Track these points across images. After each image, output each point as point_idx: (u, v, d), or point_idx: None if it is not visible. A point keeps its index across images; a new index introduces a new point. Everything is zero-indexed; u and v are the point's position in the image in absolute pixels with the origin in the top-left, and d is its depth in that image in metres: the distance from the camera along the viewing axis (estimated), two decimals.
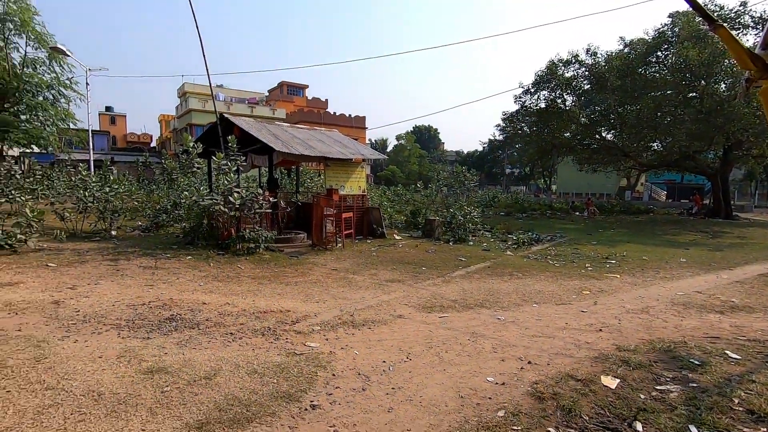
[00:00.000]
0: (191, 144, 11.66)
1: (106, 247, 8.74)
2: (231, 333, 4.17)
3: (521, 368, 3.55)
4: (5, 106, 18.83)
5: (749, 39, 17.97)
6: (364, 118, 52.72)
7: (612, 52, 22.45)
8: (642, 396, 3.04)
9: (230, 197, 8.44)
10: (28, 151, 23.26)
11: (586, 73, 22.74)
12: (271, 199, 9.43)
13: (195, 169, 12.95)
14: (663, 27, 20.92)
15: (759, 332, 4.53)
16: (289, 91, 52.89)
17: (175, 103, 48.39)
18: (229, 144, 9.08)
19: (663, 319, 5.07)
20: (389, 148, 77.02)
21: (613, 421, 2.72)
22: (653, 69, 21.31)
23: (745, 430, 2.61)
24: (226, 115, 10.76)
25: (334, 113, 50.41)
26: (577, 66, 23.03)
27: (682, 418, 2.72)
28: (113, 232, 10.14)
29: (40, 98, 19.64)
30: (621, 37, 23.11)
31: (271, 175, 11.23)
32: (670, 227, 17.77)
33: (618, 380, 3.28)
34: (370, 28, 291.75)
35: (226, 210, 8.44)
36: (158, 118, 58.88)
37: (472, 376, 3.38)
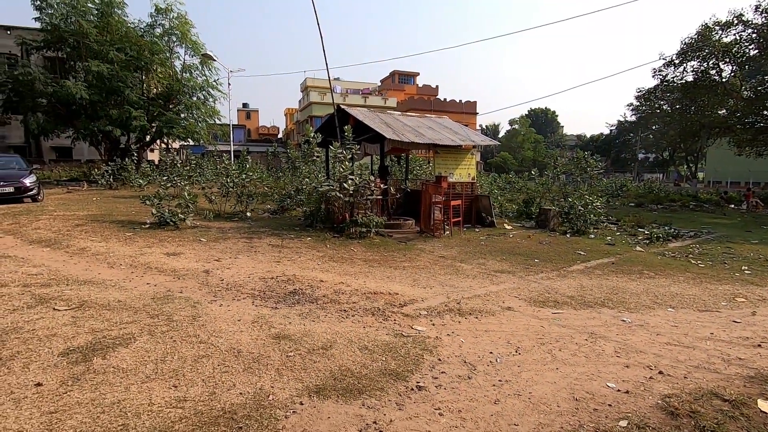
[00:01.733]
0: (312, 134, 12.66)
1: (242, 226, 10.04)
2: (344, 310, 4.49)
3: (650, 378, 3.17)
4: (170, 106, 22.67)
5: None
6: (474, 103, 51.21)
7: None
8: None
9: (345, 184, 8.99)
10: (185, 144, 27.72)
11: (754, 35, 18.71)
12: (381, 186, 9.79)
13: (315, 158, 14.07)
14: None
15: None
16: (400, 79, 53.78)
17: (299, 97, 52.85)
18: (345, 133, 9.63)
19: None
20: (501, 134, 73.71)
21: None
22: None
23: None
24: (342, 106, 11.40)
25: (444, 99, 49.87)
26: (740, 28, 19.08)
27: None
28: (248, 214, 11.59)
29: (194, 98, 23.15)
30: None
31: (382, 163, 11.64)
32: None
33: None
34: (480, 9, 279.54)
35: (341, 196, 9.01)
36: (284, 111, 65.05)
37: (588, 379, 3.13)
